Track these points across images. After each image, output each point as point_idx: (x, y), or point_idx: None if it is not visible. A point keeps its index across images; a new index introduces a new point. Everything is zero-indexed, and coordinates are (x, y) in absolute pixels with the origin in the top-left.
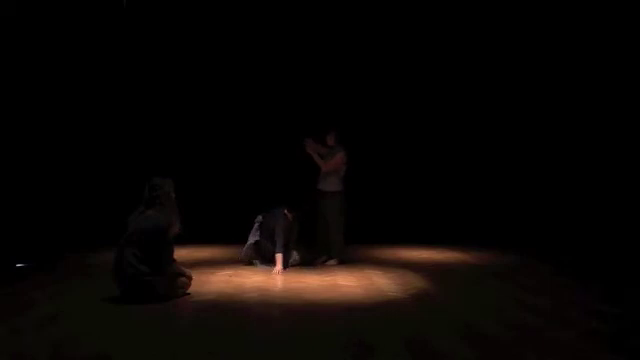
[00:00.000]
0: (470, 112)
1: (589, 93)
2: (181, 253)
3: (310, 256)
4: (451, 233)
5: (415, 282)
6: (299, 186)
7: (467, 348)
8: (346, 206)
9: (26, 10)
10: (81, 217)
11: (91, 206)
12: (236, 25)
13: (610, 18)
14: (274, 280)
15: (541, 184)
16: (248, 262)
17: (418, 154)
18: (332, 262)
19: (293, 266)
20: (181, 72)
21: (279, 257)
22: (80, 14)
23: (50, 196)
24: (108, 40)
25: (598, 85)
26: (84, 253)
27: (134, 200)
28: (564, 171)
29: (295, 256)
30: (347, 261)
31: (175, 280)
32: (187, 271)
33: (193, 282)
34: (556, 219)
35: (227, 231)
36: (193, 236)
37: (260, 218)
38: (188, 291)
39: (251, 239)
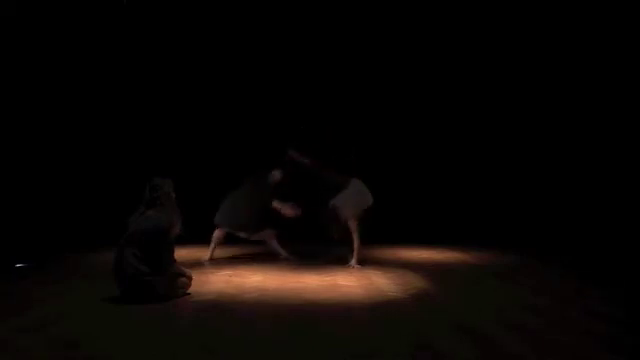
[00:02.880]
0: (470, 112)
1: (589, 93)
2: (181, 253)
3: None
4: (451, 233)
5: (415, 282)
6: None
7: (467, 348)
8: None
9: (26, 10)
10: (81, 217)
11: (91, 206)
12: (236, 25)
13: (610, 18)
14: (274, 280)
15: (541, 184)
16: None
17: (418, 154)
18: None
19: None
20: (181, 72)
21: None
22: (80, 14)
23: (50, 196)
24: (108, 40)
25: (598, 85)
26: (84, 253)
27: (134, 200)
28: (564, 171)
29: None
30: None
31: (175, 280)
32: (187, 271)
33: (193, 282)
34: (556, 219)
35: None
36: (193, 236)
37: None
38: (188, 291)
39: None
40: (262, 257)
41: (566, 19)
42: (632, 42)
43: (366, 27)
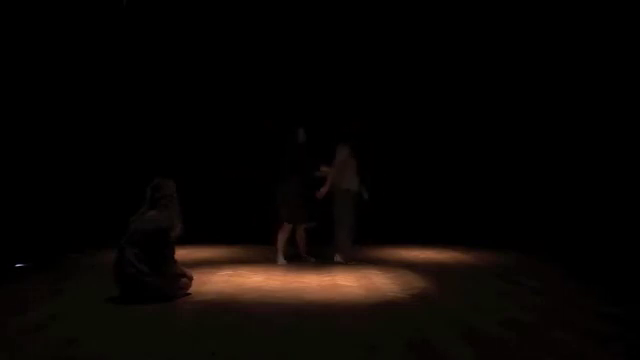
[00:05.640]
0: (470, 112)
1: (589, 93)
2: (181, 253)
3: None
4: (451, 233)
5: (415, 282)
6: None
7: (467, 348)
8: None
9: (26, 10)
10: (82, 217)
11: (92, 206)
12: (236, 25)
13: (610, 18)
14: (274, 280)
15: (542, 184)
16: None
17: (418, 154)
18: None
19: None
20: (182, 72)
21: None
22: (80, 14)
23: (51, 196)
24: (108, 40)
25: (598, 85)
26: (84, 253)
27: (135, 201)
28: (565, 171)
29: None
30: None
31: (175, 280)
32: (187, 271)
33: (193, 282)
34: (556, 219)
35: (227, 231)
36: (193, 236)
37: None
38: (188, 291)
39: None
40: (262, 257)
41: (566, 19)
42: (632, 42)
43: (368, 28)
